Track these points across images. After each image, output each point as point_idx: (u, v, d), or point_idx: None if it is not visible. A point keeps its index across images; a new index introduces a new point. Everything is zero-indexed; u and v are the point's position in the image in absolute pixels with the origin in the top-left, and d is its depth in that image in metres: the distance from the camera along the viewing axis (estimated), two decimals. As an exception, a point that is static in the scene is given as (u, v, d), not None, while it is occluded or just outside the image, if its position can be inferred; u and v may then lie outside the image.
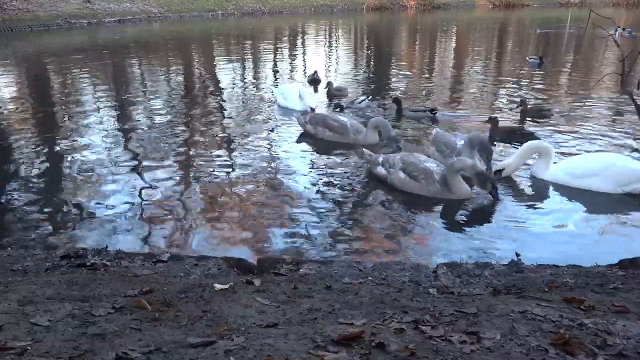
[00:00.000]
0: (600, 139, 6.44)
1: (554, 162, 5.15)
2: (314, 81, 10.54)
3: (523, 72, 11.80)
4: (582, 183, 4.90)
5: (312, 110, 7.66)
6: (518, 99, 8.92)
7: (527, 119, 7.39)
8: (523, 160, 5.23)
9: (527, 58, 13.00)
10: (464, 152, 5.13)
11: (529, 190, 4.94)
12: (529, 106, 7.66)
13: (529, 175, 5.25)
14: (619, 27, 16.90)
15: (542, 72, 11.66)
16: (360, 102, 8.51)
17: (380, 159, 5.19)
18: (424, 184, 4.76)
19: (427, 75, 12.20)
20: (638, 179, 4.67)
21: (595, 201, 4.69)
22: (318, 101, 8.67)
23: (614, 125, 7.13)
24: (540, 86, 10.21)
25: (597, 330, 1.85)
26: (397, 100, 7.86)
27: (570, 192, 4.91)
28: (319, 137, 6.61)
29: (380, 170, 5.12)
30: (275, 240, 4.01)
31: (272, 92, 9.23)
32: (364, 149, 5.54)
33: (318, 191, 4.98)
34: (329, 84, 9.43)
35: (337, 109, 8.22)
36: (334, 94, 9.17)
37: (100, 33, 23.82)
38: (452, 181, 4.64)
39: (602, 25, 4.06)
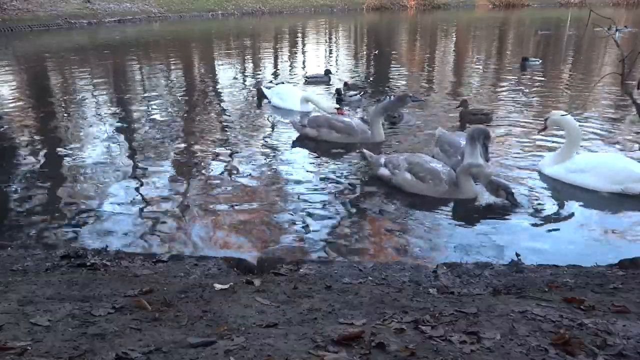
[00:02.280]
0: (601, 139, 6.44)
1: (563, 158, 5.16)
2: (328, 80, 10.60)
3: (518, 71, 11.76)
4: (577, 179, 4.93)
5: (338, 109, 7.59)
6: (517, 98, 8.92)
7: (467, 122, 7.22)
8: (555, 124, 5.34)
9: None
10: (465, 149, 5.13)
11: (529, 191, 4.94)
12: (469, 107, 7.47)
13: (529, 176, 5.26)
14: (625, 26, 16.82)
15: (529, 72, 11.60)
16: (351, 96, 8.78)
17: (382, 160, 5.18)
18: (431, 184, 4.75)
19: (426, 74, 12.21)
20: (631, 178, 4.67)
21: (596, 201, 4.70)
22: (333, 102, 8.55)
23: (614, 125, 7.13)
24: (539, 86, 10.21)
25: (597, 330, 1.85)
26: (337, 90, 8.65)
27: (570, 192, 4.91)
28: (322, 139, 6.49)
29: (384, 171, 5.10)
30: (275, 240, 4.01)
31: (261, 92, 9.06)
32: (364, 150, 5.52)
33: (318, 191, 4.98)
34: (258, 83, 9.38)
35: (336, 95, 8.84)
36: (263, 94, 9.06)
37: (100, 33, 23.82)
38: (462, 181, 4.64)
39: (601, 25, 4.07)
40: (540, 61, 12.38)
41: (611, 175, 4.74)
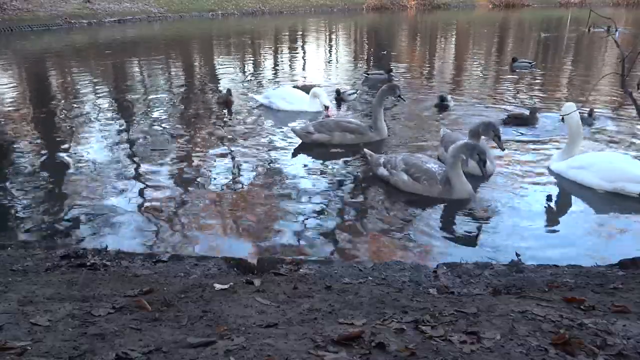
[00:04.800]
0: (600, 139, 6.44)
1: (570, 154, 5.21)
2: (388, 79, 10.54)
3: (519, 72, 11.76)
4: (576, 175, 4.98)
5: (327, 108, 7.58)
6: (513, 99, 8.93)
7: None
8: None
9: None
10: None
11: (529, 190, 4.94)
12: (451, 105, 8.11)
13: (529, 175, 5.26)
14: (620, 27, 16.81)
15: (527, 73, 11.61)
16: (349, 95, 8.91)
17: (382, 160, 5.20)
18: (426, 184, 4.76)
19: (426, 74, 12.21)
20: (625, 177, 4.67)
21: (597, 201, 4.70)
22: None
23: (614, 125, 7.12)
24: (538, 86, 10.22)
25: (597, 330, 1.85)
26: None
27: (570, 192, 4.92)
28: (334, 142, 6.30)
29: (383, 171, 5.13)
30: (275, 240, 4.01)
31: (256, 96, 8.76)
32: (365, 150, 5.52)
33: (318, 191, 4.98)
34: (229, 90, 9.04)
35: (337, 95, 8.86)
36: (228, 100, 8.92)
37: (100, 33, 23.81)
38: (454, 178, 4.63)
39: (599, 24, 4.08)
40: (533, 63, 12.27)
41: (606, 173, 4.77)
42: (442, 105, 8.16)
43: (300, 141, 6.48)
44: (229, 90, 8.91)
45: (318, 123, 6.53)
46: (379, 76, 10.77)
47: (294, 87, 9.21)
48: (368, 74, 11.05)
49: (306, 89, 9.02)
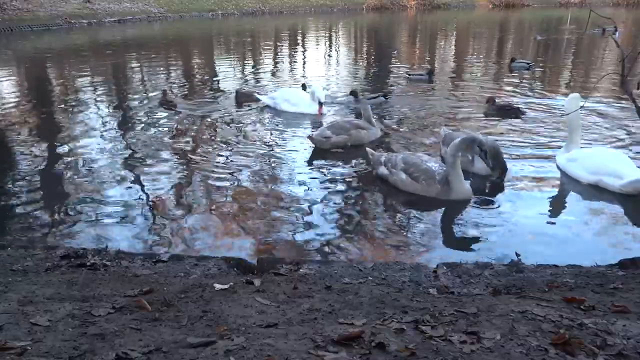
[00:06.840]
0: (600, 139, 6.44)
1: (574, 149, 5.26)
2: (429, 79, 10.62)
3: (519, 72, 11.77)
4: (569, 168, 5.06)
5: (321, 105, 7.63)
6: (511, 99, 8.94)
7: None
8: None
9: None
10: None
11: (529, 190, 4.94)
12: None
13: (530, 174, 5.27)
14: (617, 29, 16.80)
15: (530, 73, 11.63)
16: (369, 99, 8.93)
17: (383, 159, 5.19)
18: (425, 184, 4.75)
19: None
20: (605, 171, 4.70)
21: (596, 201, 4.70)
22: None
23: (613, 125, 7.12)
24: (539, 86, 10.22)
25: (597, 330, 1.85)
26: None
27: (571, 191, 4.93)
28: (351, 143, 6.22)
29: (383, 170, 5.13)
30: (275, 240, 4.01)
31: (261, 97, 8.73)
32: (367, 149, 5.52)
33: (318, 191, 4.98)
34: (164, 91, 9.08)
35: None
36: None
37: (100, 33, 23.82)
38: (453, 179, 4.62)
39: (602, 25, 4.07)
40: (531, 63, 12.25)
41: (591, 166, 4.84)
42: (356, 101, 8.48)
43: (301, 141, 6.44)
44: (164, 92, 9.05)
45: (332, 126, 6.36)
46: (419, 77, 10.82)
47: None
48: (409, 75, 11.07)
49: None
